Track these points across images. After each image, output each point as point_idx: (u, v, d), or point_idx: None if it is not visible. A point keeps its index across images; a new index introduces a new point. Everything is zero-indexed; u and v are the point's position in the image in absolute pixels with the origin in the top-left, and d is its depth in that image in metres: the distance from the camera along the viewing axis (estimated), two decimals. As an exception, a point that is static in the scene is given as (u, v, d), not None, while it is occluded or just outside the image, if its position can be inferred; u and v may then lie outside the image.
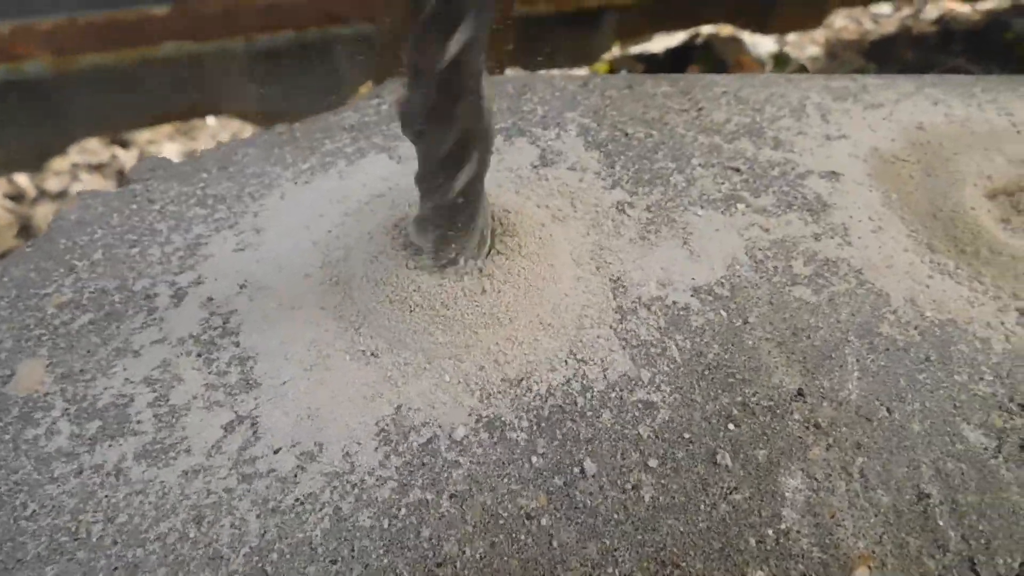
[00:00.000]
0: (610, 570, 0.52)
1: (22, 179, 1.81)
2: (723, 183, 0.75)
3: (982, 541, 0.54)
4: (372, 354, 0.61)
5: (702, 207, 0.73)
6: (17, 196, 1.77)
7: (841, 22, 2.16)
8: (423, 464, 0.56)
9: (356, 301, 0.62)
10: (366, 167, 0.75)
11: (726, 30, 2.04)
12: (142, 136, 1.83)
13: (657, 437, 0.58)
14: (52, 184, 1.78)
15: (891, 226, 0.73)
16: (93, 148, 1.88)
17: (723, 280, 0.67)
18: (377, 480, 0.55)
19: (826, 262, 0.69)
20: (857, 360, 0.63)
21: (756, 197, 0.74)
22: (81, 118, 1.63)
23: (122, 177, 0.68)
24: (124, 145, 1.87)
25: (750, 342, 0.63)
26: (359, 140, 0.77)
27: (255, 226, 0.69)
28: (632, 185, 0.74)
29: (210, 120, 1.78)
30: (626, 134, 0.79)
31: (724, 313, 0.65)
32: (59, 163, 1.84)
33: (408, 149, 0.77)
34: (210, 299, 0.64)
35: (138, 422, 0.57)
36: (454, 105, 0.50)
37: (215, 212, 0.70)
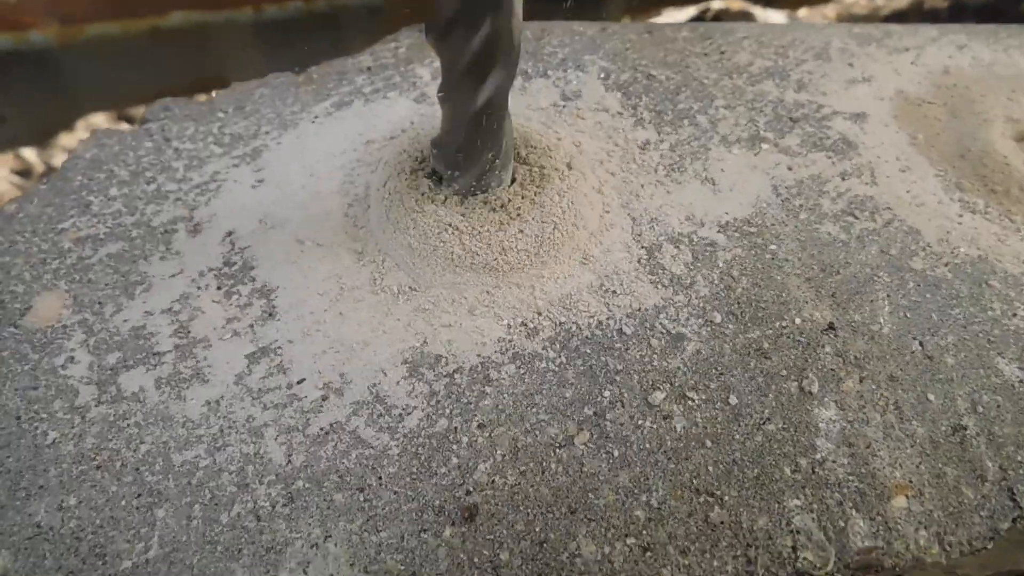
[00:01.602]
0: (643, 497, 0.51)
1: (29, 154, 1.79)
2: (747, 123, 0.74)
3: (1021, 471, 0.53)
4: (396, 288, 0.59)
5: (727, 146, 0.72)
6: (24, 171, 1.75)
7: (851, -4, 2.14)
8: (450, 395, 0.55)
9: (377, 236, 0.61)
10: (384, 107, 0.73)
11: (736, 4, 2.01)
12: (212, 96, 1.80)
13: (688, 369, 0.57)
14: (59, 160, 1.76)
15: (918, 166, 0.72)
16: (100, 123, 1.86)
17: (750, 217, 0.66)
18: (404, 409, 0.54)
19: (854, 200, 0.68)
20: (888, 295, 0.62)
21: (781, 137, 0.73)
22: (88, 92, 1.60)
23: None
24: (131, 121, 1.86)
25: (779, 277, 0.62)
26: (376, 81, 0.76)
27: (273, 164, 0.68)
28: (655, 125, 0.73)
29: (216, 94, 1.77)
30: (648, 76, 0.78)
31: (752, 249, 0.64)
32: (67, 139, 1.83)
33: (427, 88, 0.76)
34: (229, 233, 0.63)
35: (158, 353, 0.56)
36: (481, 7, 0.48)
37: (232, 150, 0.69)
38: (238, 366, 0.55)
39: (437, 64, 0.69)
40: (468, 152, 0.56)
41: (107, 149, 0.68)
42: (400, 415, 0.53)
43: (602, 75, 0.78)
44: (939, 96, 0.78)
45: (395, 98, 0.74)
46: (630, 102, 0.75)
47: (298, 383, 0.55)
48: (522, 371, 0.56)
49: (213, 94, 0.72)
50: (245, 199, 0.65)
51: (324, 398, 0.54)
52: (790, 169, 0.70)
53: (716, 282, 0.62)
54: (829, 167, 0.71)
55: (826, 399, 0.56)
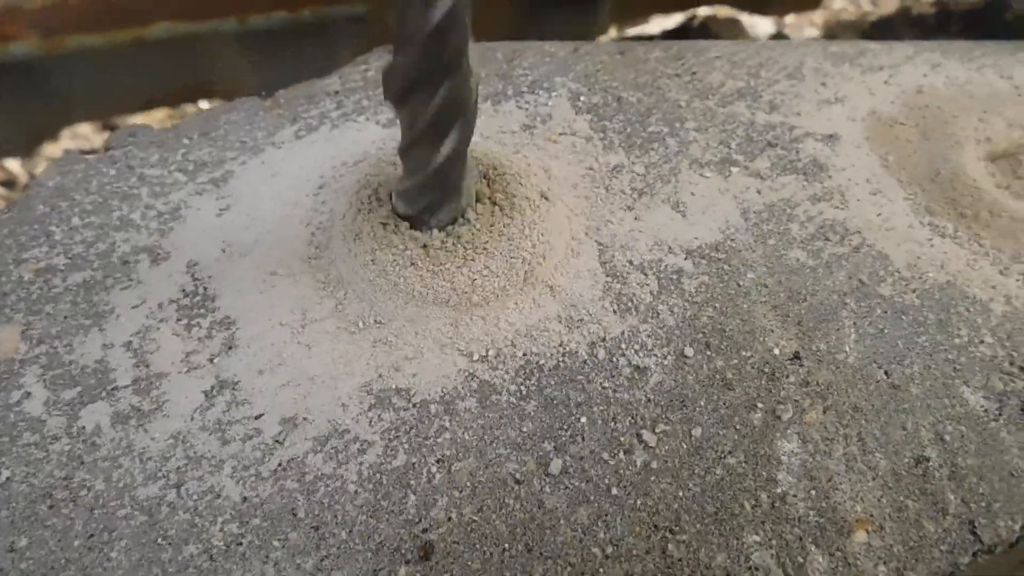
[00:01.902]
0: (601, 535, 0.51)
1: (13, 165, 1.78)
2: (718, 146, 0.74)
3: (983, 504, 0.53)
4: (357, 320, 0.59)
5: (697, 170, 0.71)
6: (8, 182, 1.75)
7: (840, 3, 2.14)
8: (410, 429, 0.54)
9: (340, 267, 0.61)
10: (351, 132, 0.73)
11: (724, 11, 2.01)
12: (135, 121, 1.80)
13: (650, 401, 0.56)
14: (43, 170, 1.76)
15: (889, 189, 0.71)
16: (85, 133, 1.85)
17: (718, 243, 0.66)
18: (363, 444, 0.53)
19: (823, 225, 0.68)
20: (855, 323, 0.61)
21: (752, 160, 0.73)
22: (72, 102, 1.60)
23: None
24: (116, 130, 1.85)
25: (745, 305, 0.62)
26: (344, 105, 0.75)
27: (237, 191, 0.68)
28: (625, 149, 0.73)
29: (203, 104, 1.76)
30: (618, 99, 0.77)
31: (719, 276, 0.63)
32: (51, 148, 1.82)
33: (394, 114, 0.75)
34: (191, 264, 0.63)
35: (116, 388, 0.55)
36: (437, 73, 0.49)
37: (196, 177, 0.69)
38: (197, 400, 0.55)
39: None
40: (429, 203, 0.57)
41: (71, 176, 0.68)
42: (359, 450, 0.53)
43: (572, 98, 0.77)
44: (912, 117, 0.77)
45: (363, 123, 0.74)
46: (600, 125, 0.75)
47: (257, 418, 0.54)
48: (483, 405, 0.56)
49: (180, 120, 0.72)
50: (209, 227, 0.65)
51: (283, 433, 0.54)
52: (759, 193, 0.70)
53: (681, 311, 0.61)
54: (799, 190, 0.70)
55: (789, 431, 0.55)
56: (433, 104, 0.50)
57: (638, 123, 0.75)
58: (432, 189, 0.57)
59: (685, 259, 0.64)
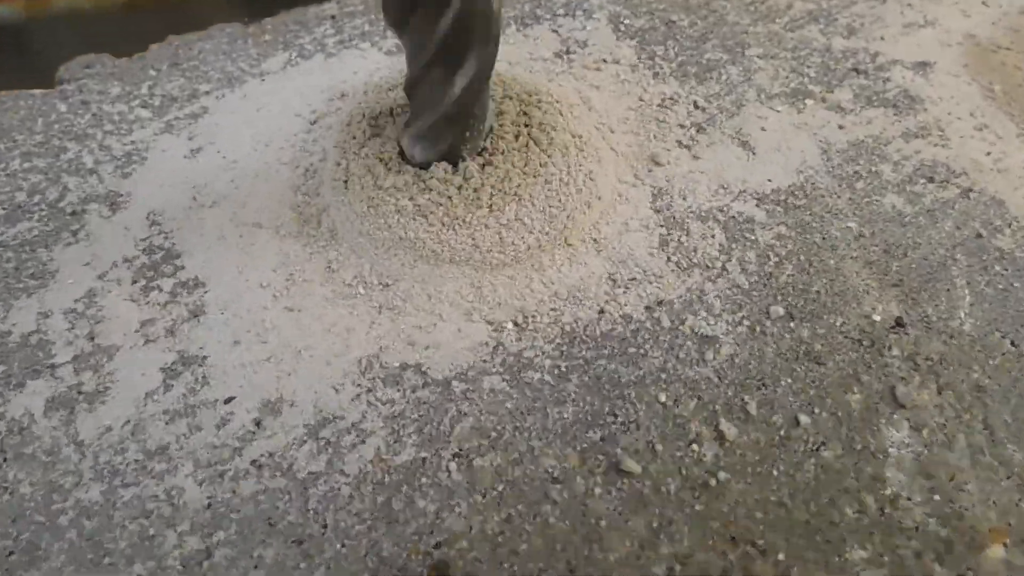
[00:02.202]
0: (663, 549, 0.39)
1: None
2: (789, 75, 0.61)
3: None
4: (355, 282, 0.48)
5: (764, 102, 0.59)
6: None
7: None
8: (420, 416, 0.43)
9: (333, 216, 0.50)
10: (348, 61, 0.61)
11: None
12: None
13: (720, 379, 0.45)
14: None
15: (998, 124, 0.59)
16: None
17: (795, 187, 0.54)
18: (360, 435, 0.42)
19: (921, 165, 0.56)
20: (968, 282, 0.50)
21: (830, 91, 0.60)
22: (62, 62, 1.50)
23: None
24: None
25: (832, 261, 0.50)
26: (343, 31, 0.64)
27: (212, 129, 0.56)
28: (678, 79, 0.61)
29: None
30: (667, 23, 0.65)
31: (799, 227, 0.52)
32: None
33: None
34: (153, 215, 0.52)
35: (54, 365, 0.44)
36: None
37: (163, 114, 0.57)
38: (154, 380, 0.44)
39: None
40: (443, 147, 0.46)
41: (11, 115, 0.57)
42: (354, 443, 0.42)
43: (613, 21, 0.65)
44: (1018, 41, 0.65)
45: (365, 50, 0.62)
46: (647, 52, 0.63)
47: (226, 402, 0.43)
48: (513, 384, 0.44)
49: (146, 49, 0.61)
50: (176, 171, 0.53)
51: (258, 422, 0.43)
52: (842, 128, 0.58)
53: (755, 268, 0.49)
54: (889, 126, 0.58)
55: (896, 416, 0.44)
56: (443, 23, 0.40)
57: (692, 50, 0.63)
58: (447, 128, 0.46)
59: (757, 205, 0.53)
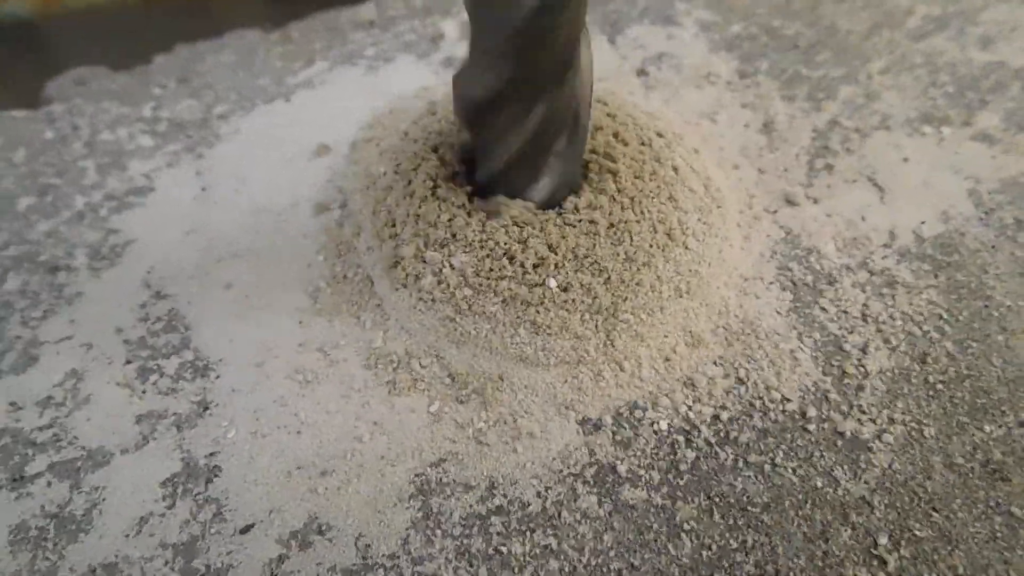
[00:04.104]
0: None
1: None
2: (919, 97, 0.51)
3: None
4: (403, 364, 0.38)
5: (892, 131, 0.49)
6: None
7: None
8: (490, 549, 0.33)
9: (379, 282, 0.39)
10: (389, 76, 0.51)
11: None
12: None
13: (878, 500, 0.34)
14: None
15: None
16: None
17: (942, 238, 0.44)
18: (414, 581, 0.32)
19: (1097, 211, 0.45)
20: None
21: (972, 116, 0.50)
22: (76, 66, 1.42)
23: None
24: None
25: (1000, 336, 0.40)
26: (383, 40, 0.53)
27: (225, 162, 0.47)
28: (786, 100, 0.50)
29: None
30: (769, 30, 0.54)
31: (951, 289, 0.41)
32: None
33: (454, 50, 0.53)
34: (151, 271, 0.42)
35: (23, 477, 0.35)
36: (535, 87, 0.32)
37: (168, 142, 0.48)
38: (146, 502, 0.34)
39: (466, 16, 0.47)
40: (519, 185, 0.37)
41: (-13, 142, 0.47)
42: (408, 589, 0.32)
43: (703, 30, 0.55)
44: None
45: (409, 63, 0.52)
46: (747, 66, 0.52)
47: (243, 532, 0.33)
48: (609, 509, 0.34)
49: (151, 59, 0.51)
50: (181, 216, 0.44)
51: (283, 558, 0.33)
52: (994, 161, 0.47)
53: (905, 345, 0.39)
54: (1050, 158, 0.48)
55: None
56: (530, 122, 0.34)
57: (800, 64, 0.53)
58: (521, 167, 0.37)
59: (899, 261, 0.42)
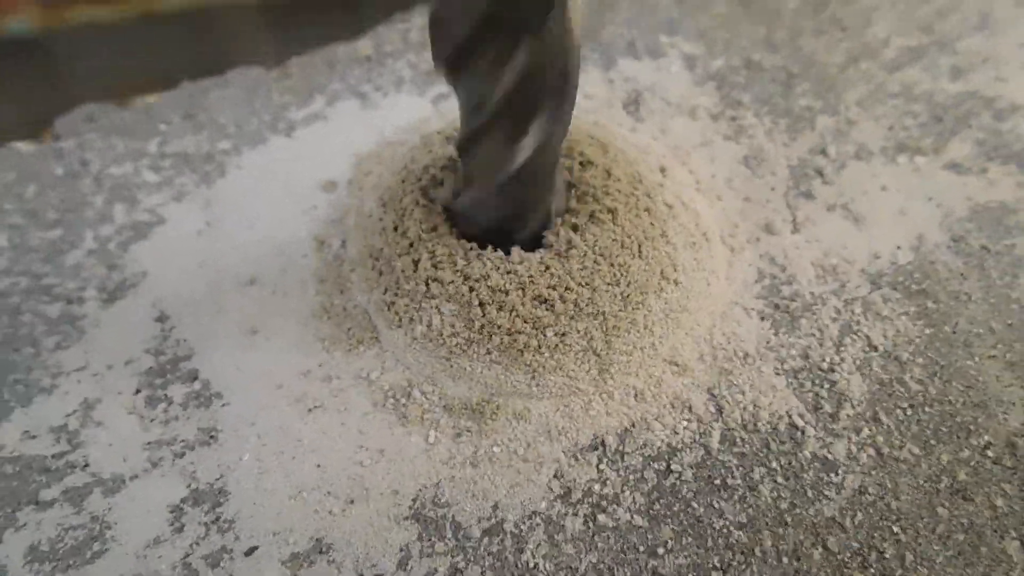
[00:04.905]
0: None
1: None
2: (893, 127, 0.53)
3: None
4: (401, 393, 0.40)
5: (867, 160, 0.51)
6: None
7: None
8: (484, 569, 0.35)
9: (375, 317, 0.41)
10: (387, 111, 0.53)
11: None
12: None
13: (847, 520, 0.36)
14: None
15: None
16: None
17: (913, 266, 0.46)
18: (411, 602, 0.34)
19: (1063, 239, 0.47)
20: None
21: (943, 145, 0.52)
22: (80, 82, 1.45)
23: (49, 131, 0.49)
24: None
25: (969, 363, 0.42)
26: (378, 75, 0.56)
27: (229, 197, 0.49)
28: (768, 132, 0.52)
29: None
30: (749, 63, 0.57)
31: (923, 317, 0.43)
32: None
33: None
34: (158, 303, 0.44)
35: (40, 503, 0.37)
36: (513, 19, 0.30)
37: (175, 177, 0.50)
38: (156, 523, 0.36)
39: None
40: (503, 223, 0.39)
41: None
42: (407, 610, 0.34)
43: (687, 63, 0.57)
44: None
45: (405, 98, 0.54)
46: (729, 99, 0.54)
47: (247, 554, 0.35)
48: (590, 529, 0.36)
49: (156, 97, 0.53)
50: (187, 250, 0.46)
51: (288, 580, 0.35)
52: (964, 190, 0.49)
53: (877, 373, 0.41)
54: (1018, 187, 0.50)
55: (1071, 570, 0.35)
56: (506, 77, 0.32)
57: (780, 96, 0.55)
58: (506, 206, 0.39)
59: (871, 291, 0.44)
